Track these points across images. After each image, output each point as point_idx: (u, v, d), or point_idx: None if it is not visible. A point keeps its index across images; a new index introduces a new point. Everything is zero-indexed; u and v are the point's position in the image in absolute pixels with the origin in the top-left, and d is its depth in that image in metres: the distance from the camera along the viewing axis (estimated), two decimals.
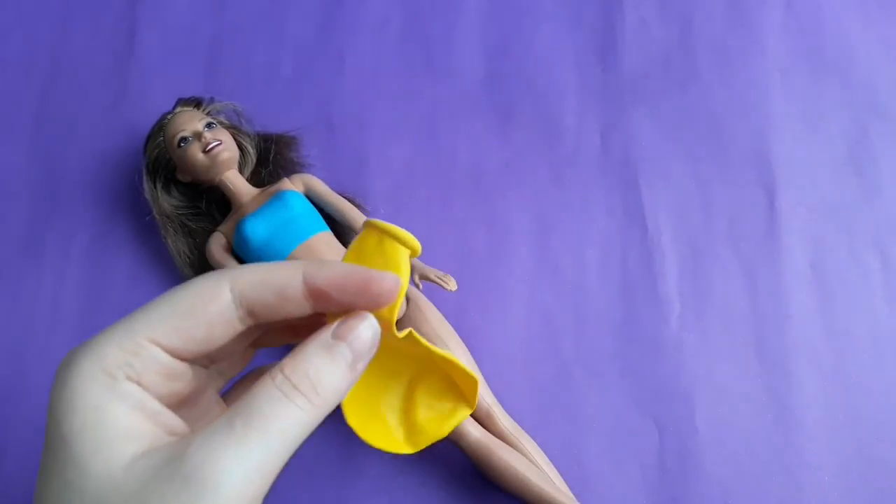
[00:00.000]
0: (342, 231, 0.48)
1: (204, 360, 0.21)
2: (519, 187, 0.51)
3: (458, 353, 0.43)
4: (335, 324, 0.20)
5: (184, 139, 0.46)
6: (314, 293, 0.19)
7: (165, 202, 0.48)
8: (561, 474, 0.42)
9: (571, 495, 0.40)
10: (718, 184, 0.51)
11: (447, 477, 0.43)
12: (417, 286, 0.44)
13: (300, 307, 0.20)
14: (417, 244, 0.22)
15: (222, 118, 0.50)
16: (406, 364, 0.23)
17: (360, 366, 0.20)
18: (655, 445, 0.44)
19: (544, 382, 0.45)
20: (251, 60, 0.55)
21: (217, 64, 0.55)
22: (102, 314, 0.48)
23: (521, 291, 0.48)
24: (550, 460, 0.42)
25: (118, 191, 0.51)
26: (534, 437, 0.43)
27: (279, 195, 0.46)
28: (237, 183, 0.47)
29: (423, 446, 0.23)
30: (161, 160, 0.48)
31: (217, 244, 0.47)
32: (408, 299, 0.45)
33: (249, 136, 0.50)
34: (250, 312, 0.19)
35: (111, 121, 0.53)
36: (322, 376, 0.18)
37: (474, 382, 0.22)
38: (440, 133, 0.53)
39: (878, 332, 0.47)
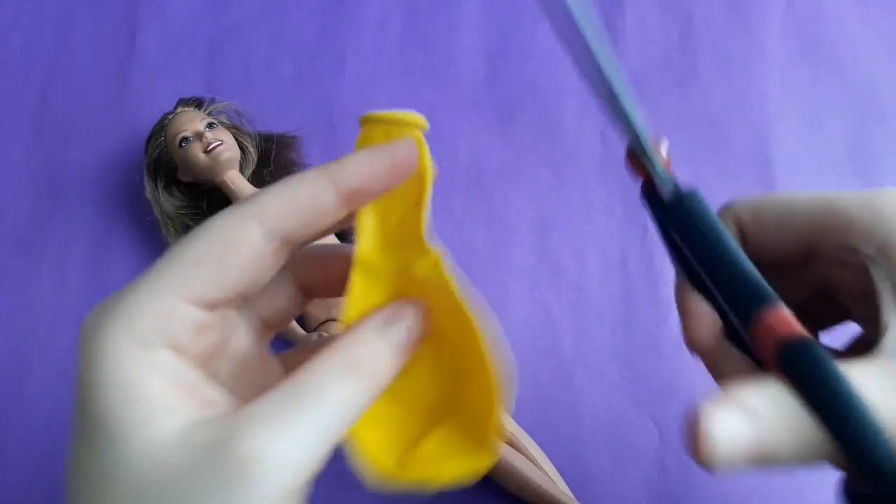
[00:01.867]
0: (342, 231, 0.48)
1: (238, 302, 0.20)
2: (519, 187, 0.51)
3: None
4: (388, 307, 0.19)
5: (185, 139, 0.46)
6: (349, 196, 0.18)
7: (167, 202, 0.48)
8: (561, 474, 0.42)
9: (571, 495, 0.41)
10: (718, 184, 0.51)
11: None
12: None
13: (335, 216, 0.19)
14: (423, 119, 0.21)
15: (223, 118, 0.50)
16: (431, 379, 0.21)
17: (411, 348, 0.19)
18: (655, 445, 0.44)
19: (544, 382, 0.45)
20: (251, 60, 0.55)
21: (217, 64, 0.55)
22: None
23: (521, 291, 0.48)
24: (550, 460, 0.42)
25: (119, 191, 0.51)
26: (534, 437, 0.43)
27: None
28: (239, 183, 0.47)
29: (407, 479, 0.19)
30: (162, 160, 0.48)
31: None
32: None
33: (250, 136, 0.50)
34: (284, 242, 0.18)
35: (111, 121, 0.53)
36: (378, 358, 0.18)
37: (496, 391, 0.20)
38: (440, 133, 0.52)
39: None
